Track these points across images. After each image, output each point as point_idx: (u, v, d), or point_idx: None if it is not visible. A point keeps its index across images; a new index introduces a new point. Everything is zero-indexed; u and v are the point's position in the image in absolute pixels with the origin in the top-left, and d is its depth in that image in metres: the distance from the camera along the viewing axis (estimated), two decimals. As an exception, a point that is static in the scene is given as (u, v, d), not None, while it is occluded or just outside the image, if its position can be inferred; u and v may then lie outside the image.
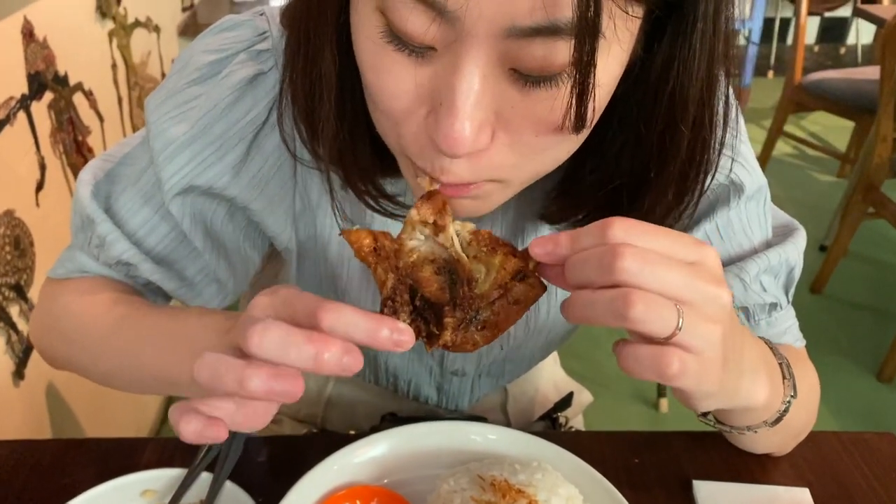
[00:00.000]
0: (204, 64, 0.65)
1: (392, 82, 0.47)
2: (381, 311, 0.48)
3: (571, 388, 1.02)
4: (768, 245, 0.70)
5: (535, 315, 0.77)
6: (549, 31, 0.41)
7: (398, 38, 0.45)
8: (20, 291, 1.27)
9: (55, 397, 1.39)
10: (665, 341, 0.43)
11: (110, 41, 1.69)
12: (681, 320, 0.42)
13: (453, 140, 0.45)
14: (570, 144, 0.51)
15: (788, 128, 3.15)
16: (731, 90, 0.56)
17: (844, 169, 3.41)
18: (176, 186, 0.65)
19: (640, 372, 0.44)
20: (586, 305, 0.44)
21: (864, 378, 2.25)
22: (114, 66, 1.71)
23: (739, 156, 0.68)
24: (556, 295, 0.75)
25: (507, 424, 0.95)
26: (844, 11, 4.78)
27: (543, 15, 0.40)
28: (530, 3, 0.40)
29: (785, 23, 4.86)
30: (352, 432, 0.86)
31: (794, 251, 0.69)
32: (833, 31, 5.01)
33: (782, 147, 3.57)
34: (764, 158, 3.18)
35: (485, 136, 0.46)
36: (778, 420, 0.59)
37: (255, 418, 0.47)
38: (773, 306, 0.69)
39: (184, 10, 2.26)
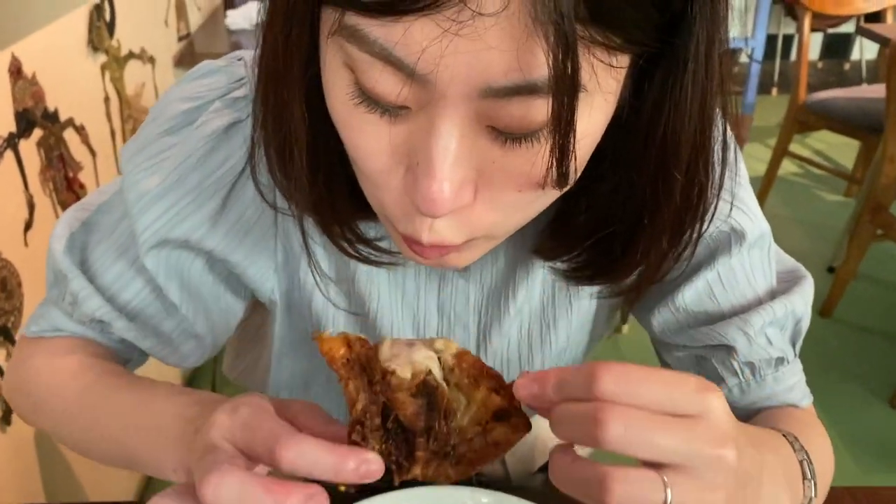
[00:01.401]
0: (178, 113, 0.63)
1: (365, 141, 0.45)
2: (349, 435, 0.45)
3: (573, 434, 0.98)
4: (773, 295, 0.67)
5: (530, 365, 0.73)
6: (525, 90, 0.39)
7: (369, 98, 0.43)
8: (7, 334, 1.24)
9: (44, 442, 1.36)
10: None
11: (103, 74, 1.67)
12: (668, 493, 0.38)
13: (432, 201, 0.43)
14: (554, 196, 0.48)
15: (793, 147, 3.12)
16: (728, 131, 0.53)
17: (851, 188, 3.37)
18: (150, 240, 0.63)
19: None
20: (566, 478, 0.41)
21: (876, 405, 2.19)
22: (106, 99, 1.69)
23: (739, 201, 0.65)
24: (550, 345, 0.71)
25: (506, 475, 0.91)
26: (848, 27, 4.75)
27: (519, 75, 0.38)
28: (505, 64, 0.38)
29: (788, 39, 4.84)
30: (342, 488, 0.82)
31: (801, 301, 0.66)
32: (836, 48, 4.99)
33: (788, 166, 3.54)
34: (769, 178, 3.14)
35: (467, 193, 0.45)
36: None
37: None
38: (780, 361, 0.65)
39: (180, 39, 2.25)
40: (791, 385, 0.67)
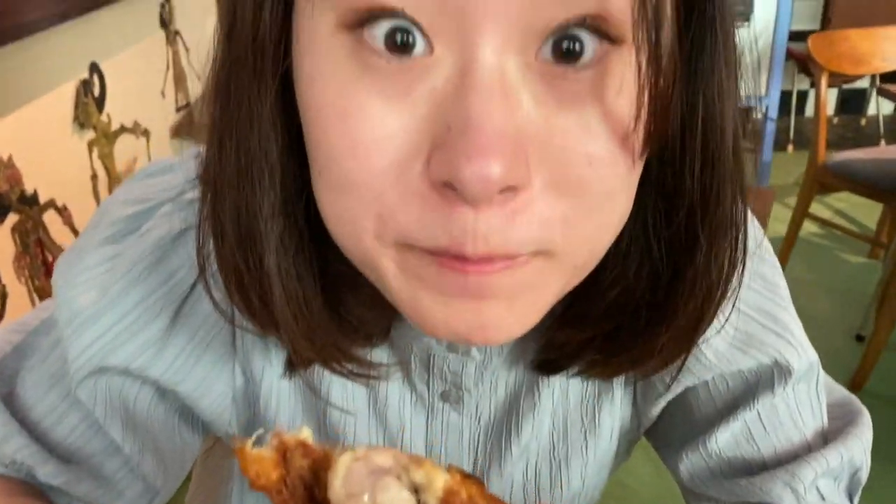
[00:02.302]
0: (121, 218, 0.54)
1: (369, 126, 0.34)
2: None
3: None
4: (824, 438, 0.56)
5: None
6: None
7: (373, 48, 0.34)
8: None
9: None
10: None
11: (90, 151, 1.60)
12: None
13: (480, 165, 0.31)
14: (628, 189, 0.38)
15: (813, 205, 3.01)
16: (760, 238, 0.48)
17: (876, 250, 3.25)
18: (84, 368, 0.53)
19: None
20: None
21: (916, 489, 2.04)
22: (94, 177, 1.62)
23: (783, 328, 0.55)
24: (561, 487, 0.61)
25: None
26: (863, 83, 4.69)
27: None
28: None
29: (802, 95, 4.77)
30: None
31: (859, 447, 0.55)
32: (852, 103, 4.91)
33: (808, 226, 3.42)
34: (790, 241, 3.03)
35: (520, 165, 0.33)
36: None
37: None
38: (836, 521, 0.54)
39: (178, 110, 2.19)
40: (850, 551, 0.55)
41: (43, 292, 1.39)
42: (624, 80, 0.34)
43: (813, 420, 0.56)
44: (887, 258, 2.54)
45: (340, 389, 0.57)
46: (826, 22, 4.43)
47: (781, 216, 3.38)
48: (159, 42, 2.06)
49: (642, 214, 0.44)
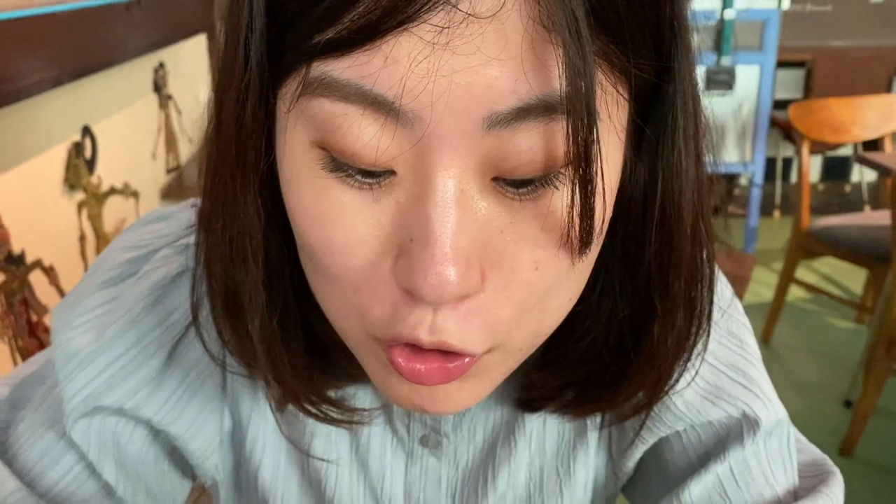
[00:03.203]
0: (120, 262, 0.56)
1: (342, 231, 0.38)
2: None
3: None
4: (796, 496, 0.56)
5: None
6: (538, 110, 0.34)
7: (345, 168, 0.37)
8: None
9: None
10: None
11: (79, 212, 1.62)
12: None
13: (436, 277, 0.35)
14: (574, 282, 0.42)
15: (800, 270, 3.04)
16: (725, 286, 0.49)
17: (863, 315, 3.26)
18: (79, 408, 0.53)
19: None
20: None
21: (908, 558, 2.01)
22: (82, 237, 1.63)
23: (751, 382, 0.57)
24: None
25: None
26: (846, 150, 4.78)
27: (528, 90, 0.33)
28: (510, 79, 0.33)
29: (787, 162, 4.86)
30: None
31: None
32: (836, 170, 5.00)
33: (795, 291, 3.44)
34: (777, 306, 3.05)
35: (474, 273, 0.37)
36: None
37: None
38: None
39: (168, 171, 2.22)
40: None
41: (26, 352, 1.39)
42: (568, 195, 0.37)
43: (785, 477, 0.56)
44: (873, 323, 2.55)
45: (324, 435, 0.59)
46: (808, 91, 4.54)
47: (769, 281, 3.41)
48: (152, 105, 2.10)
49: (612, 272, 0.48)
